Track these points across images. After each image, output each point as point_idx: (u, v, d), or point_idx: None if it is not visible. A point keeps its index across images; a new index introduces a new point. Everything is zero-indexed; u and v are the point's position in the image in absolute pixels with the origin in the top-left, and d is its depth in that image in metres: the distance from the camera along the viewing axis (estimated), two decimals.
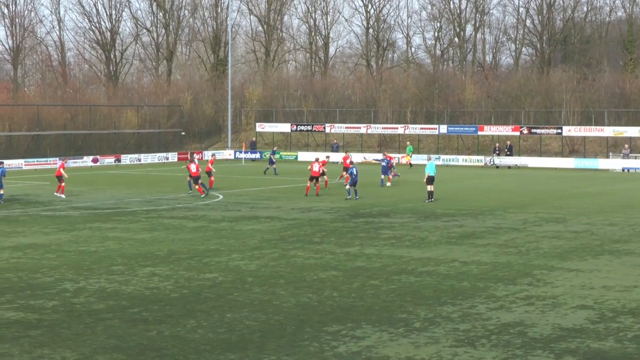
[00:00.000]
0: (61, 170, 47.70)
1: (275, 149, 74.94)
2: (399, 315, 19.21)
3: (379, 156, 58.49)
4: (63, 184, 47.36)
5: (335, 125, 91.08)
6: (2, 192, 44.24)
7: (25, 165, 73.73)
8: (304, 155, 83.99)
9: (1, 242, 30.48)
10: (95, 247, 29.26)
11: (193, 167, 47.82)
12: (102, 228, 34.17)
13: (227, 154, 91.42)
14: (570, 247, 29.56)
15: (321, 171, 48.68)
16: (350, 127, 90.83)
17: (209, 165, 52.49)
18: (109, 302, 20.47)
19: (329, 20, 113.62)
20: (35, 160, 75.16)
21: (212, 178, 51.95)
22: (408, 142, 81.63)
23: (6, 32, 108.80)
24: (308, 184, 48.29)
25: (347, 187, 46.08)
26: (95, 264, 25.79)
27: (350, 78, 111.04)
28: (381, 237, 31.79)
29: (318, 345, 16.73)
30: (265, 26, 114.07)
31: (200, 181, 47.81)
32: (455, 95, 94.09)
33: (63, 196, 46.68)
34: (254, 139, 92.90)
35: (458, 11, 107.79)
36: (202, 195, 47.27)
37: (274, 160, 67.14)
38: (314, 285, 22.48)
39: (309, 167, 48.53)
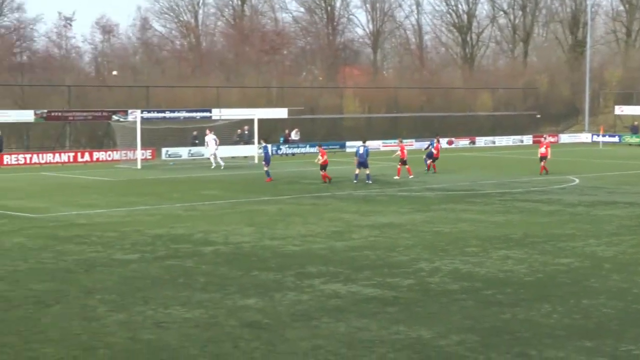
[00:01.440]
0: (404, 152, 49.09)
1: None
2: None
3: None
4: (407, 165, 48.53)
5: None
6: (368, 172, 45.56)
7: (382, 146, 75.85)
8: None
9: (360, 220, 31.56)
10: (450, 228, 29.54)
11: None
12: (456, 209, 34.46)
13: (584, 137, 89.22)
14: None
15: None
16: None
17: (545, 149, 50.57)
18: (463, 283, 20.59)
19: None
20: (392, 142, 77.00)
21: (543, 164, 50.10)
22: None
23: (367, 17, 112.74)
24: None
25: None
26: (449, 244, 26.05)
27: None
28: None
29: None
30: (627, 5, 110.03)
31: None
32: None
33: (411, 177, 47.91)
34: (636, 123, 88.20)
35: None
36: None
37: None
38: None
39: None
